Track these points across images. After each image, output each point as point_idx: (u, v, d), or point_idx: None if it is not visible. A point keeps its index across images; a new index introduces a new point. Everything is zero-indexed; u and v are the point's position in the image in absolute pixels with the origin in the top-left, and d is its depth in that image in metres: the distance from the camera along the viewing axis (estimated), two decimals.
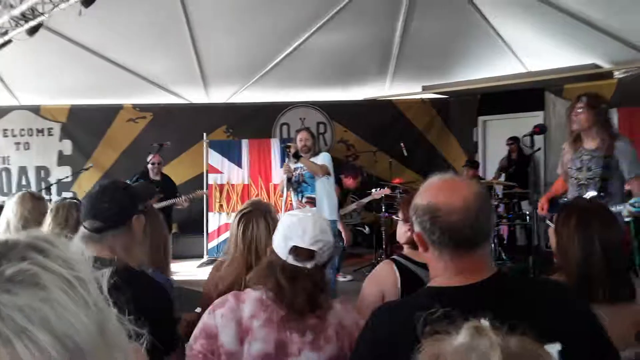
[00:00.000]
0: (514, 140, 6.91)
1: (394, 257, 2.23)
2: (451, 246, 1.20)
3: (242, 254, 2.11)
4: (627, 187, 3.40)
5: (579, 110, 3.32)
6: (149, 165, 5.97)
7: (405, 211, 2.27)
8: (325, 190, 5.00)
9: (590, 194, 3.25)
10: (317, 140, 5.22)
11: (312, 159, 4.95)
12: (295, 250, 1.53)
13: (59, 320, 0.56)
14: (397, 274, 2.09)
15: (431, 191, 1.26)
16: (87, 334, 0.58)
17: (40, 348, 0.53)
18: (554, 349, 1.09)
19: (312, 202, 4.97)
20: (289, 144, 5.21)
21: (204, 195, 6.99)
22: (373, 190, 6.28)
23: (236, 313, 1.52)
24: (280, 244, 1.57)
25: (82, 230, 1.75)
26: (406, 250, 2.23)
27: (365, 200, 6.37)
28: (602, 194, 3.23)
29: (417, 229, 1.26)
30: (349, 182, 6.55)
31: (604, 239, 1.76)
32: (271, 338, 1.49)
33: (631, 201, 3.06)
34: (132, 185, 2.15)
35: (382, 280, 2.11)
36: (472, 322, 0.69)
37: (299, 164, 4.98)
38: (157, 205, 5.63)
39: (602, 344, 1.20)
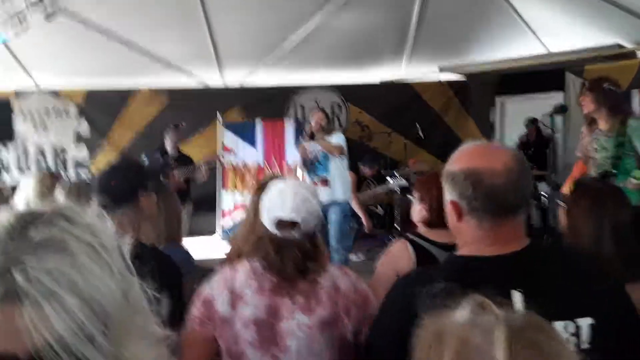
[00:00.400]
0: (532, 122, 6.77)
1: (408, 235, 2.23)
2: (493, 212, 1.16)
3: (251, 218, 2.14)
4: None
5: (584, 95, 3.51)
6: (167, 142, 6.00)
7: (420, 191, 2.26)
8: (338, 170, 5.01)
9: (604, 170, 3.36)
10: (331, 120, 5.20)
11: (327, 139, 4.95)
12: (279, 222, 1.57)
13: (86, 285, 0.58)
14: (412, 252, 2.08)
15: (467, 157, 1.22)
16: (112, 298, 0.61)
17: (68, 310, 0.55)
18: (585, 322, 1.08)
19: (325, 182, 4.97)
20: (307, 125, 5.22)
21: (217, 170, 6.95)
22: (389, 179, 6.20)
23: (230, 282, 1.58)
24: (265, 216, 1.61)
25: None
26: (421, 229, 2.23)
27: (381, 190, 6.30)
28: (614, 171, 3.34)
29: (451, 197, 1.22)
30: (366, 171, 6.53)
31: (615, 220, 1.78)
32: (262, 304, 1.54)
33: (632, 173, 3.19)
34: (142, 163, 2.18)
35: (396, 259, 2.11)
36: (475, 296, 0.67)
37: (314, 144, 4.99)
38: (178, 174, 5.70)
39: (633, 323, 1.17)
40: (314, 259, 1.58)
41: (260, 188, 2.24)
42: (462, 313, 0.65)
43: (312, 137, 4.96)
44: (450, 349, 0.61)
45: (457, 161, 1.23)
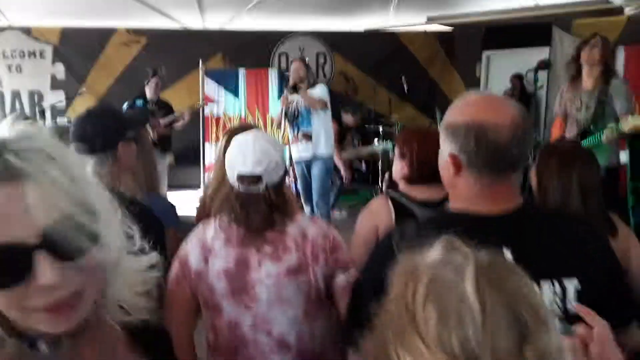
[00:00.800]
0: (517, 78, 6.74)
1: (390, 192, 2.23)
2: (494, 168, 1.14)
3: (220, 167, 2.11)
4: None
5: (593, 46, 3.42)
6: (147, 89, 5.90)
7: (401, 147, 2.25)
8: (322, 124, 4.90)
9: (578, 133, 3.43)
10: (310, 70, 5.05)
11: (310, 91, 4.84)
12: (241, 178, 1.56)
13: (75, 170, 0.64)
14: (392, 208, 2.09)
15: (471, 108, 1.17)
16: (97, 194, 0.67)
17: (66, 188, 0.61)
18: (571, 282, 1.11)
19: (308, 137, 4.90)
20: (288, 75, 5.07)
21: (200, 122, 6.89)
22: (376, 141, 6.12)
23: (200, 237, 1.62)
24: (229, 173, 1.60)
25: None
26: (402, 186, 2.22)
27: (365, 151, 6.22)
28: (592, 127, 3.42)
29: (451, 149, 1.18)
30: (349, 120, 6.45)
31: (583, 180, 1.84)
32: (231, 255, 1.57)
33: (608, 126, 3.20)
34: (120, 111, 2.12)
35: (376, 214, 2.11)
36: (445, 237, 0.71)
37: (296, 96, 4.87)
38: (162, 122, 5.67)
39: (618, 284, 1.19)
40: (281, 211, 1.59)
41: (228, 138, 2.22)
42: (434, 252, 0.69)
43: (294, 89, 4.83)
44: (423, 284, 0.65)
45: (459, 112, 1.18)
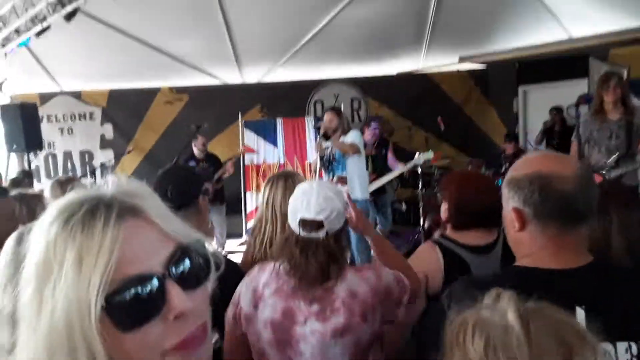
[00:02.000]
0: (557, 111, 6.64)
1: (437, 239, 2.21)
2: (560, 219, 1.12)
3: (263, 213, 2.18)
4: None
5: (615, 85, 3.83)
6: (195, 148, 6.24)
7: (442, 190, 2.24)
8: (356, 168, 4.91)
9: (619, 154, 3.78)
10: (344, 118, 5.09)
11: (342, 138, 4.90)
12: (303, 223, 1.58)
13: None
14: (441, 256, 2.05)
15: (534, 162, 1.17)
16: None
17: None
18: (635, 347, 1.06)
19: (343, 181, 4.93)
20: (320, 123, 5.19)
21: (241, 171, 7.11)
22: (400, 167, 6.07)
23: (254, 281, 1.64)
24: (291, 218, 1.63)
25: None
26: (448, 230, 2.19)
27: (391, 175, 6.11)
28: (629, 152, 3.81)
29: (514, 204, 1.16)
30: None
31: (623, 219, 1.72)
32: (279, 306, 1.57)
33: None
34: (192, 168, 2.24)
35: (425, 263, 2.07)
36: (493, 290, 0.73)
37: (330, 142, 4.95)
38: (213, 181, 5.99)
39: None
40: (337, 261, 1.59)
41: (270, 182, 2.25)
42: (482, 304, 0.72)
43: (326, 136, 4.91)
44: (470, 326, 0.68)
45: (522, 167, 1.18)
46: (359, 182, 4.91)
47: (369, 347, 1.60)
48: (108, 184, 0.66)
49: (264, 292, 1.60)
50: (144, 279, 0.58)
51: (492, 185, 2.30)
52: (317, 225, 1.57)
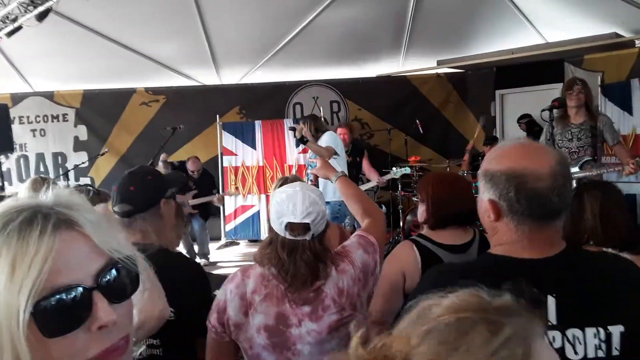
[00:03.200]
0: (525, 120, 6.83)
1: (413, 237, 2.22)
2: (534, 216, 1.13)
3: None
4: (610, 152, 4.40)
5: (580, 92, 4.06)
6: (188, 167, 6.41)
7: (419, 191, 2.27)
8: None
9: (586, 159, 4.04)
10: (319, 121, 5.08)
11: (318, 140, 4.85)
12: (290, 226, 1.59)
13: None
14: (418, 254, 2.08)
15: (509, 156, 1.17)
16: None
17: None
18: (616, 329, 1.08)
19: (316, 183, 4.91)
20: (293, 125, 5.15)
21: (225, 186, 7.17)
22: (376, 179, 6.06)
23: (241, 288, 1.62)
24: (275, 222, 1.62)
25: (115, 216, 1.79)
26: (425, 230, 2.21)
27: (366, 187, 6.11)
28: (594, 157, 4.04)
29: (489, 195, 1.17)
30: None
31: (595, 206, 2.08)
32: (271, 311, 1.58)
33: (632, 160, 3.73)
34: (159, 171, 2.16)
35: (402, 260, 2.10)
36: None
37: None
38: (192, 202, 5.93)
39: None
40: (323, 260, 1.61)
41: (281, 183, 2.31)
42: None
43: (302, 141, 4.88)
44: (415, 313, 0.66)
45: (498, 160, 1.18)
46: (331, 185, 4.86)
47: None
48: (48, 194, 0.68)
49: (253, 298, 1.59)
50: (71, 289, 0.61)
51: (468, 185, 2.35)
52: (304, 228, 1.58)
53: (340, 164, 4.96)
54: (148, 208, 1.75)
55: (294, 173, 6.89)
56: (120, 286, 0.66)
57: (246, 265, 1.70)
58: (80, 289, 0.61)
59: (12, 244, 0.61)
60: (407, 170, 5.86)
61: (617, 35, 6.20)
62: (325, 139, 4.84)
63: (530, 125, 6.77)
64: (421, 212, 2.22)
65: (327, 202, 4.93)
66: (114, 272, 0.65)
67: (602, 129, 4.07)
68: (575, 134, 4.11)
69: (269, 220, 1.72)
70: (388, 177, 5.93)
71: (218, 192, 6.74)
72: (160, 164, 6.22)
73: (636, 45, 6.38)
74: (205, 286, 1.78)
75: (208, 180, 6.61)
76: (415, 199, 2.40)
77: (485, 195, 1.19)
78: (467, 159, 6.99)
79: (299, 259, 1.58)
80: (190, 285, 1.69)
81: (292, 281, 1.57)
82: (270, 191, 2.56)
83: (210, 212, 6.73)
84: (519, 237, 1.15)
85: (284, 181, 2.33)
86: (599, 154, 4.17)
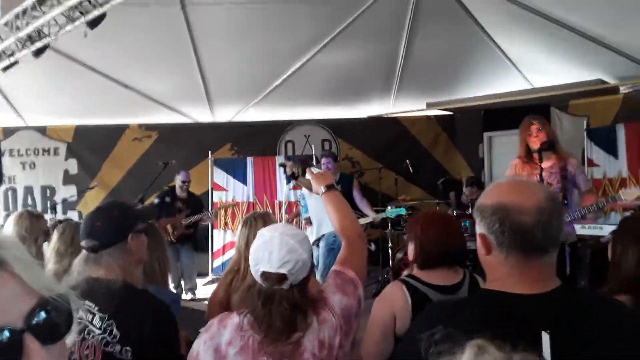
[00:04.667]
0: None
1: (403, 277, 2.22)
2: (519, 249, 1.14)
3: (241, 253, 2.17)
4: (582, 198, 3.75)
5: (539, 130, 3.67)
6: (178, 183, 6.22)
7: (411, 231, 2.27)
8: (316, 206, 4.95)
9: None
10: (299, 165, 5.18)
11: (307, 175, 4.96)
12: (265, 275, 1.49)
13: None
14: (408, 295, 2.06)
15: (499, 191, 1.20)
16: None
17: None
18: None
19: (309, 221, 4.93)
20: (284, 162, 5.20)
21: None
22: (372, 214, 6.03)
23: (215, 339, 1.52)
24: (253, 268, 1.53)
25: (83, 251, 1.75)
26: (415, 270, 2.21)
27: (363, 222, 6.05)
28: (565, 202, 3.57)
29: (481, 229, 1.20)
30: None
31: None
32: None
33: (618, 195, 3.45)
34: (129, 204, 2.14)
35: (392, 301, 2.08)
36: (475, 340, 0.69)
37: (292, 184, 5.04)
38: (185, 221, 5.89)
39: None
40: (303, 311, 1.51)
41: (248, 223, 2.27)
42: (463, 357, 0.68)
43: (293, 177, 4.94)
44: None
45: (489, 195, 1.21)
46: (322, 218, 4.92)
47: None
48: None
49: (227, 351, 1.49)
50: (0, 332, 0.58)
51: (458, 225, 2.40)
52: (279, 278, 1.48)
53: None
54: (114, 243, 1.74)
55: (284, 210, 6.88)
56: (52, 326, 0.62)
57: (224, 314, 1.61)
58: (10, 331, 0.58)
59: None
60: (403, 210, 5.84)
61: (602, 82, 6.39)
62: (307, 176, 4.93)
63: None
64: (410, 250, 2.23)
65: (322, 235, 4.93)
66: (45, 312, 0.61)
67: (572, 172, 3.64)
68: (545, 178, 3.63)
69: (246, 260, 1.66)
70: (382, 215, 5.91)
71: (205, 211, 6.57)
72: (178, 185, 6.18)
73: (620, 92, 6.57)
74: (169, 327, 1.73)
75: (196, 201, 6.45)
76: (405, 236, 2.41)
77: (477, 229, 1.22)
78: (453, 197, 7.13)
79: (274, 310, 1.47)
80: (152, 325, 1.64)
81: (267, 331, 1.47)
82: (239, 227, 2.51)
83: (199, 243, 6.57)
84: (509, 272, 1.16)
85: (254, 218, 2.31)
86: (571, 198, 3.68)
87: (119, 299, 1.63)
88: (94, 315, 1.61)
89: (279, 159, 7.46)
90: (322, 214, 4.89)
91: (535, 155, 3.61)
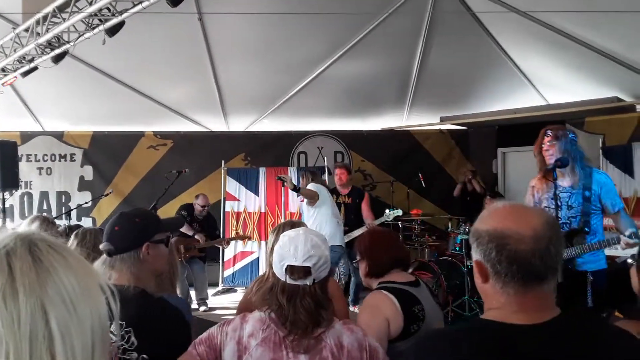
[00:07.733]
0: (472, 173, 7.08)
1: (379, 286, 2.28)
2: (517, 279, 1.10)
3: (267, 262, 2.25)
4: (605, 220, 3.28)
5: (549, 144, 3.26)
6: (197, 208, 6.42)
7: (359, 250, 2.43)
8: (318, 220, 5.19)
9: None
10: (309, 175, 5.58)
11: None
12: (290, 269, 1.57)
13: None
14: (392, 297, 2.14)
15: (496, 217, 1.16)
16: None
17: None
18: None
19: None
20: (281, 176, 5.31)
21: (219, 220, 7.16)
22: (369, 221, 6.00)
23: (237, 332, 1.58)
24: (277, 265, 1.61)
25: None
26: (369, 281, 2.36)
27: (355, 234, 5.97)
28: (587, 229, 3.14)
29: (477, 256, 1.16)
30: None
31: None
32: (267, 357, 1.53)
33: (627, 233, 2.97)
34: (152, 214, 2.15)
35: (382, 307, 2.14)
36: None
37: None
38: (198, 246, 6.21)
39: None
40: (325, 307, 1.57)
41: (277, 230, 2.34)
42: None
43: (294, 190, 5.22)
44: None
45: (485, 220, 1.17)
46: (329, 230, 5.07)
47: None
48: None
49: (249, 342, 1.55)
50: None
51: (396, 237, 2.72)
52: (305, 272, 1.56)
53: (322, 213, 5.22)
54: (127, 250, 1.75)
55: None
56: None
57: (244, 313, 1.67)
58: None
59: None
60: (399, 212, 5.94)
61: (618, 100, 6.33)
62: (311, 184, 5.33)
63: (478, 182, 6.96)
64: (363, 268, 2.38)
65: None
66: None
67: (597, 192, 3.18)
68: (565, 200, 3.23)
69: (271, 265, 1.71)
70: (381, 219, 5.96)
71: (219, 234, 6.88)
72: (197, 209, 6.36)
73: (637, 110, 6.49)
74: (185, 335, 1.73)
75: (211, 222, 6.63)
76: (358, 256, 2.56)
77: (473, 255, 1.19)
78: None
79: (299, 304, 1.55)
80: (168, 333, 1.66)
81: (291, 328, 1.53)
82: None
83: (207, 255, 6.68)
84: (507, 301, 1.13)
85: (285, 226, 2.36)
86: (596, 222, 3.22)
87: (137, 306, 1.63)
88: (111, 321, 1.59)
89: (292, 170, 7.48)
90: (323, 225, 5.14)
91: (550, 173, 3.18)
